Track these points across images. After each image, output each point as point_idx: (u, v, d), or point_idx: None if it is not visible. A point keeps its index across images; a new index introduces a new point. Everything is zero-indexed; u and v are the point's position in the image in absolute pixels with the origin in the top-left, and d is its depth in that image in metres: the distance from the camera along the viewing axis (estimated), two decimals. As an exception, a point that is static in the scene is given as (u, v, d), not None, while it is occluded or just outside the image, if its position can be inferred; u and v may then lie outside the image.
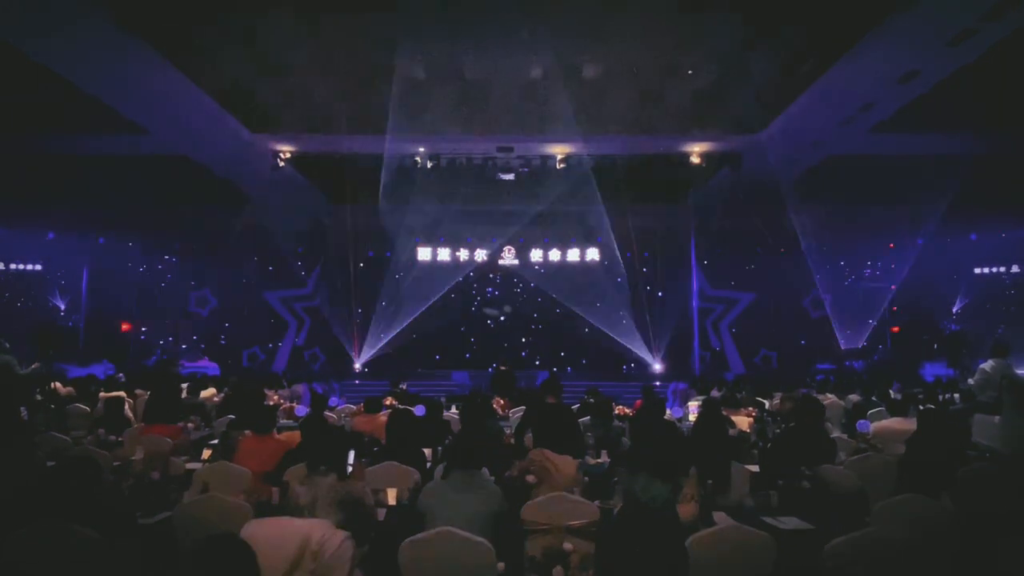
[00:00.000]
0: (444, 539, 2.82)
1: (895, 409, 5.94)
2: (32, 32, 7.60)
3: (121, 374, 10.68)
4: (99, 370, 12.26)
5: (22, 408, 6.30)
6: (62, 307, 16.14)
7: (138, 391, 8.75)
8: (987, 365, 6.86)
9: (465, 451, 3.32)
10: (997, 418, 6.08)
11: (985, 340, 10.05)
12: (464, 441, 3.43)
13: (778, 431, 5.87)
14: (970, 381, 7.51)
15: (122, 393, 7.80)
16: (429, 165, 11.84)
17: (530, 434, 4.82)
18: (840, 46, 8.12)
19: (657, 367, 15.78)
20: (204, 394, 8.82)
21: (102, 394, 7.99)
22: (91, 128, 10.69)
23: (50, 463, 4.31)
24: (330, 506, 3.02)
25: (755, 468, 4.46)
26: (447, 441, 5.19)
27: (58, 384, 8.64)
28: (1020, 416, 5.62)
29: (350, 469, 3.27)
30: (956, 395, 8.43)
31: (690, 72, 9.45)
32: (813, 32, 8.20)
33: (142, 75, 8.73)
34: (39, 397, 7.48)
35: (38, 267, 15.89)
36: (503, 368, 10.66)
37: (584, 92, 9.96)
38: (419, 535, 2.86)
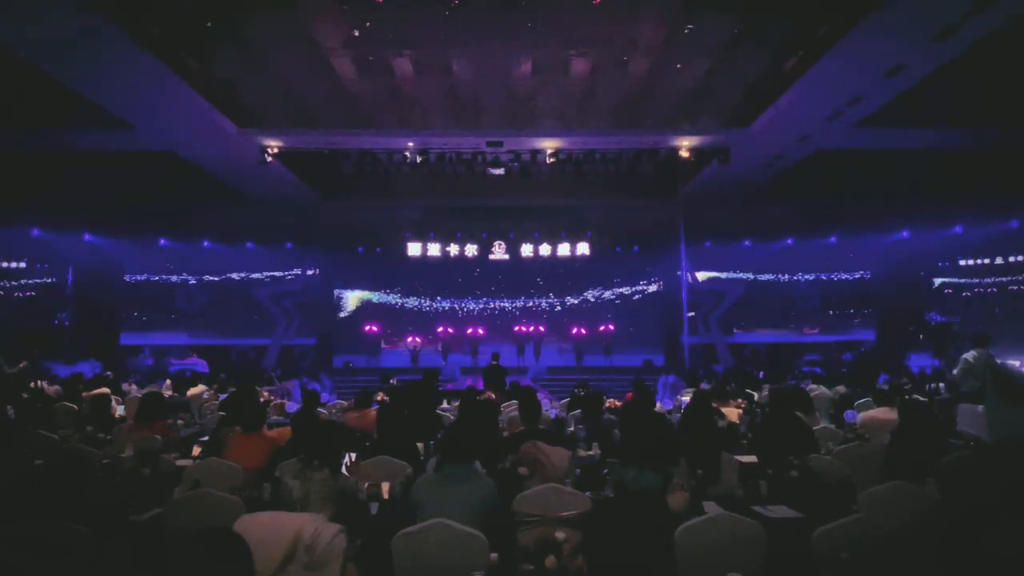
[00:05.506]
0: (437, 531, 2.83)
1: (882, 399, 6.01)
2: (19, 28, 7.49)
3: (109, 372, 10.59)
4: (86, 368, 12.14)
5: (8, 407, 6.25)
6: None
7: (125, 386, 8.69)
8: (969, 355, 6.96)
9: (458, 444, 3.32)
10: (981, 407, 6.17)
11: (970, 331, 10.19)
12: (457, 434, 3.43)
13: (758, 421, 5.94)
14: (954, 371, 7.61)
15: (106, 390, 7.72)
16: (419, 160, 11.79)
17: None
18: (827, 40, 8.18)
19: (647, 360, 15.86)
20: (192, 391, 8.77)
21: (85, 393, 7.88)
22: (77, 124, 10.56)
23: (38, 461, 4.28)
24: (323, 500, 3.02)
25: (745, 459, 4.51)
26: (439, 435, 5.20)
27: (44, 383, 8.56)
28: (1003, 404, 5.70)
29: (346, 466, 3.26)
30: (942, 385, 8.54)
31: (679, 66, 9.48)
32: (801, 26, 8.24)
33: (129, 71, 8.62)
34: (26, 396, 7.39)
35: (22, 264, 15.68)
36: (494, 363, 10.67)
37: (573, 87, 9.97)
38: (412, 527, 2.87)
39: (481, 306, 17.30)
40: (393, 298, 17.38)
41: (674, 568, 2.75)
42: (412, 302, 17.33)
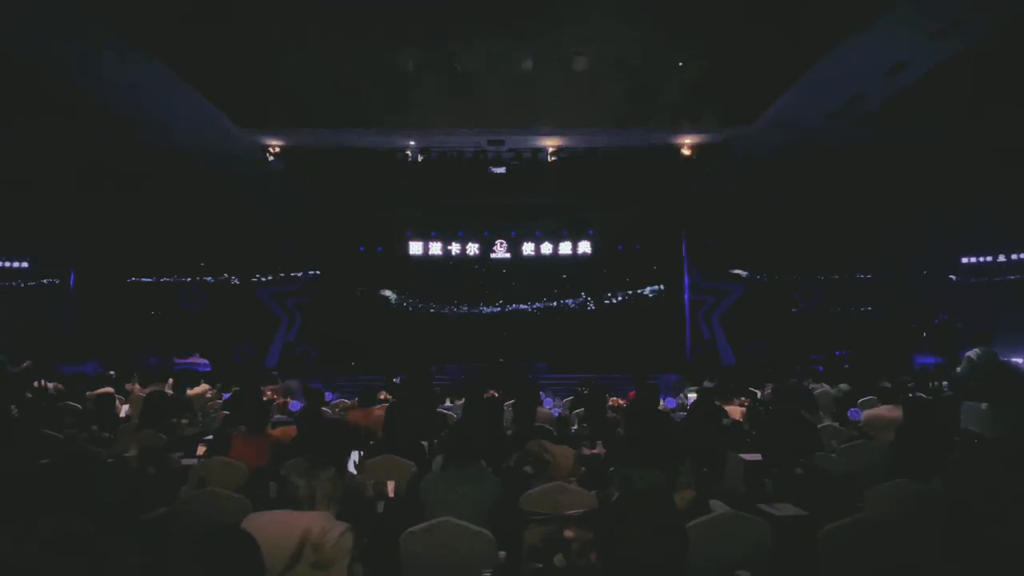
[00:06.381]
0: (445, 529, 2.83)
1: (886, 397, 6.01)
2: (16, 27, 7.48)
3: (112, 371, 10.60)
4: (88, 368, 12.16)
5: (12, 407, 6.26)
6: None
7: (128, 386, 8.70)
8: (973, 353, 6.96)
9: (463, 443, 3.33)
10: (984, 405, 6.19)
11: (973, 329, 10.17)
12: (462, 433, 3.44)
13: (762, 419, 5.94)
14: (957, 370, 7.62)
15: (110, 389, 7.73)
16: (420, 159, 11.78)
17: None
18: (829, 37, 8.16)
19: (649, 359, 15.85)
20: (195, 390, 8.78)
21: (89, 393, 7.89)
22: (76, 123, 10.54)
23: (44, 461, 4.28)
24: (330, 499, 3.02)
25: (750, 457, 4.51)
26: (443, 434, 5.21)
27: (46, 382, 8.56)
28: (1006, 402, 5.72)
29: (355, 464, 3.27)
30: (945, 383, 8.54)
31: (680, 64, 9.47)
32: (803, 22, 8.23)
33: (128, 70, 8.61)
34: (30, 395, 7.41)
35: (24, 264, 15.69)
36: (501, 361, 10.68)
37: (575, 85, 9.96)
38: (420, 526, 2.87)
39: (484, 307, 17.31)
40: (394, 296, 17.39)
41: (683, 567, 2.75)
42: (412, 301, 17.33)
